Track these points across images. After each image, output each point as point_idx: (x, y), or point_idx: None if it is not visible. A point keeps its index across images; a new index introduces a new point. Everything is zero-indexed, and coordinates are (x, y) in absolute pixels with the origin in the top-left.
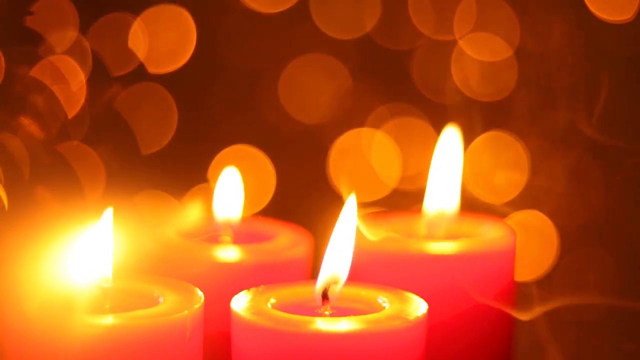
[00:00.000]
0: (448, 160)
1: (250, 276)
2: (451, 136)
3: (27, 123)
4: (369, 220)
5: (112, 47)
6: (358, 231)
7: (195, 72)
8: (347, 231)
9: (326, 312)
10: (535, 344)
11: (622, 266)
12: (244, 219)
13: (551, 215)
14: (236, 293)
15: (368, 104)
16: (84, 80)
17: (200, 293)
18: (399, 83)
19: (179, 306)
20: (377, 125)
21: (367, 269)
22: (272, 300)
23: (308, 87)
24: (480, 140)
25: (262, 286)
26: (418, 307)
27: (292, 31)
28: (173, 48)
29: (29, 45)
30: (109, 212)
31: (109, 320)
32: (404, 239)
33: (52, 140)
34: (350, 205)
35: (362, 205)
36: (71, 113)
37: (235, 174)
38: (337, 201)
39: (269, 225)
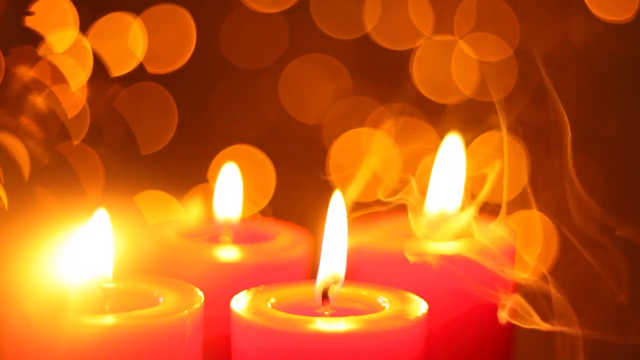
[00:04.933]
0: (450, 165)
1: (250, 276)
2: (453, 144)
3: (27, 123)
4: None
5: (112, 47)
6: (350, 229)
7: (195, 72)
8: (339, 229)
9: (326, 312)
10: (535, 344)
11: (622, 266)
12: (243, 219)
13: (551, 215)
14: (236, 293)
15: (368, 104)
16: (84, 80)
17: (200, 293)
18: (399, 83)
19: (179, 306)
20: (377, 125)
21: (367, 269)
22: (272, 300)
23: (308, 87)
24: (480, 140)
25: (262, 286)
26: (418, 307)
27: (292, 31)
28: (173, 48)
29: (29, 45)
30: (101, 212)
31: (109, 320)
32: (404, 239)
33: (52, 140)
34: (337, 202)
35: (362, 205)
36: (71, 113)
37: (234, 170)
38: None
39: (269, 225)
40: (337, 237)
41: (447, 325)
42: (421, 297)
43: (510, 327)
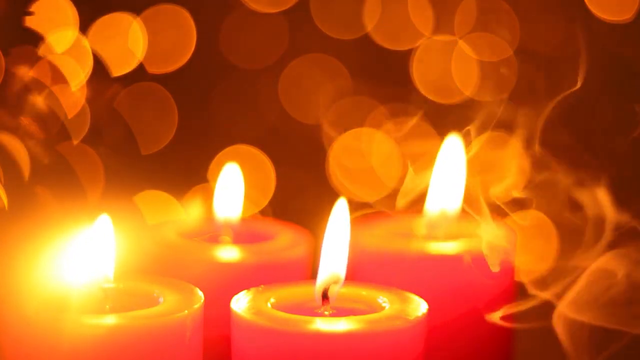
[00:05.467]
0: (451, 165)
1: (250, 276)
2: (453, 144)
3: (27, 123)
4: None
5: (112, 47)
6: (353, 231)
7: (195, 72)
8: (341, 231)
9: (326, 312)
10: (535, 344)
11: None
12: (244, 219)
13: (551, 215)
14: (236, 293)
15: (368, 104)
16: (84, 80)
17: (200, 293)
18: (399, 83)
19: (179, 306)
20: (377, 125)
21: (367, 269)
22: (272, 300)
23: (308, 87)
24: (480, 140)
25: (262, 286)
26: (418, 307)
27: (292, 31)
28: (173, 48)
29: (29, 45)
30: (104, 218)
31: (109, 320)
32: (404, 239)
33: (52, 140)
34: (340, 207)
35: (362, 205)
36: (71, 113)
37: (235, 170)
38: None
39: (269, 225)
40: (338, 239)
41: (447, 325)
42: (421, 297)
43: (510, 327)
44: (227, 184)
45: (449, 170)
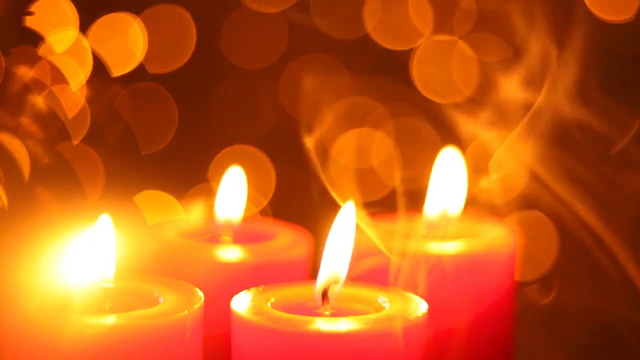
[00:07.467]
0: (450, 166)
1: (250, 276)
2: (451, 154)
3: (27, 123)
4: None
5: (112, 47)
6: (356, 232)
7: (195, 72)
8: (346, 232)
9: (326, 312)
10: (535, 344)
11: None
12: (244, 219)
13: (551, 215)
14: (236, 293)
15: (368, 104)
16: (84, 80)
17: (200, 293)
18: (399, 83)
19: (179, 306)
20: (377, 125)
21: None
22: (272, 300)
23: (308, 87)
24: (479, 140)
25: (262, 286)
26: (418, 307)
27: (292, 31)
28: (173, 48)
29: (29, 45)
30: (104, 218)
31: (109, 320)
32: (402, 239)
33: (52, 140)
34: (348, 209)
35: (362, 205)
36: (71, 113)
37: (239, 173)
38: (337, 201)
39: (269, 225)
40: (342, 240)
41: (447, 325)
42: (421, 297)
43: (510, 327)
44: (229, 184)
45: (449, 170)
